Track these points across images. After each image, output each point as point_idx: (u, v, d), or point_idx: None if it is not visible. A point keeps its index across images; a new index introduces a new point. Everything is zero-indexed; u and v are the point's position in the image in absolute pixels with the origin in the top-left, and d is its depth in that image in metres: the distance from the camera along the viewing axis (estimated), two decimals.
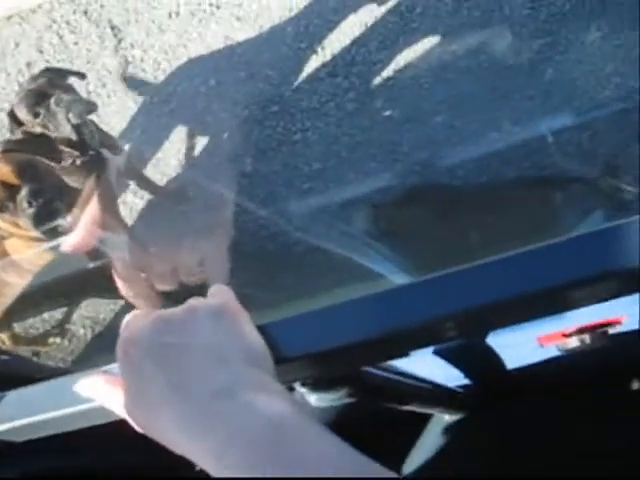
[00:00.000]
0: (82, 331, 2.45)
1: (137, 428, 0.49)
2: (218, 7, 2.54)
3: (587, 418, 1.20)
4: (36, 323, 2.50)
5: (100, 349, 2.40)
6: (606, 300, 0.47)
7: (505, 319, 0.50)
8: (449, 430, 1.21)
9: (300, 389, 0.58)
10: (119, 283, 1.62)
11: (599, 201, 1.82)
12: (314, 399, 0.59)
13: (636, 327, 1.03)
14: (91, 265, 1.51)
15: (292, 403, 0.44)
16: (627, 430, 0.96)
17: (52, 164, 1.66)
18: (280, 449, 0.41)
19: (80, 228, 1.42)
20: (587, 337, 1.02)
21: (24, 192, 1.54)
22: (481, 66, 2.15)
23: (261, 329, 0.49)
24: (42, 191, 1.56)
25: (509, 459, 1.18)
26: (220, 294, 0.51)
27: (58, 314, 2.48)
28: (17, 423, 0.56)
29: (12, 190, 1.56)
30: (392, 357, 0.55)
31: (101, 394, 0.51)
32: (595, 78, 2.02)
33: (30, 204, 1.53)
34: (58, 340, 2.46)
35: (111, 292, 2.30)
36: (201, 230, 2.07)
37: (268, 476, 0.40)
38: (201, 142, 2.41)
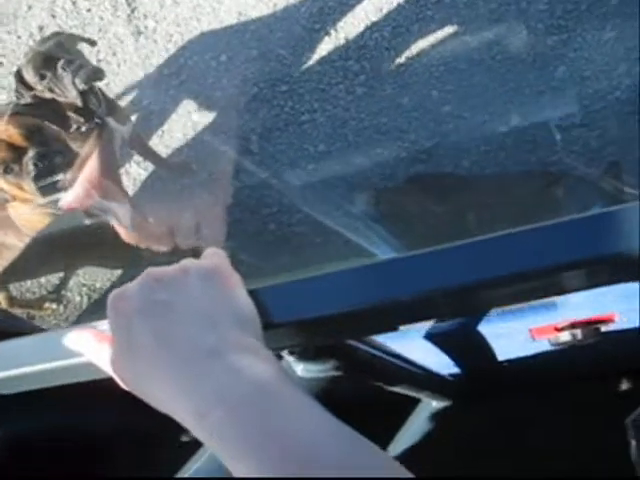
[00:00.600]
0: (78, 298, 2.46)
1: (122, 385, 0.49)
2: None
3: (575, 413, 1.20)
4: (33, 287, 2.50)
5: (95, 317, 2.40)
6: (601, 285, 0.47)
7: (496, 300, 0.50)
8: (436, 416, 1.22)
9: (287, 357, 0.58)
10: (122, 231, 1.61)
11: (600, 200, 1.82)
12: (301, 369, 0.59)
13: (628, 326, 1.03)
14: (87, 222, 1.51)
15: (278, 368, 0.44)
16: (614, 427, 0.96)
17: (60, 130, 1.65)
18: (263, 411, 0.41)
19: (77, 186, 1.42)
20: (579, 332, 1.02)
21: (30, 154, 1.54)
22: (494, 59, 2.14)
23: (251, 293, 0.49)
24: (48, 155, 1.56)
25: (494, 450, 1.19)
26: (214, 256, 0.51)
27: (55, 279, 2.48)
28: (4, 374, 0.56)
29: (19, 152, 1.56)
30: (381, 330, 0.55)
31: (89, 349, 0.51)
32: (606, 78, 2.01)
33: (36, 166, 1.53)
34: (54, 305, 2.47)
35: (107, 259, 2.30)
36: (199, 199, 2.07)
37: (248, 437, 0.40)
38: (208, 117, 2.40)
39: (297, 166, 2.22)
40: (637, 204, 0.42)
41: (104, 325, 0.52)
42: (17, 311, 2.37)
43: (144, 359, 0.45)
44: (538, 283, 0.45)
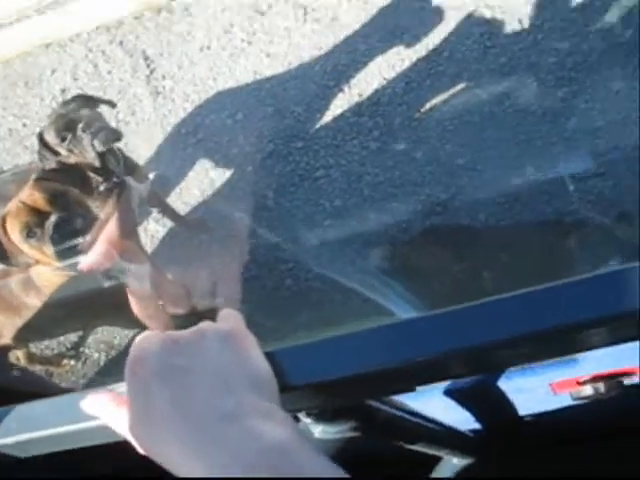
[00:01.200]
0: (96, 355, 2.46)
1: (138, 448, 0.49)
2: (249, 43, 2.60)
3: (601, 470, 1.17)
4: (51, 344, 2.51)
5: (113, 374, 2.40)
6: (618, 343, 0.46)
7: (513, 359, 0.50)
8: (458, 474, 1.19)
9: (305, 419, 0.57)
10: (133, 303, 1.62)
11: (616, 250, 1.81)
12: (319, 431, 0.58)
13: None
14: (106, 285, 1.52)
15: (296, 430, 0.44)
16: None
17: (82, 193, 1.69)
18: (281, 475, 0.41)
19: (97, 248, 1.43)
20: (601, 386, 1.00)
21: (53, 219, 1.57)
22: (505, 111, 2.16)
23: (268, 356, 0.49)
24: (70, 219, 1.58)
25: None
26: (230, 319, 0.52)
27: (74, 337, 2.49)
28: (22, 437, 0.56)
29: (42, 217, 1.58)
30: (398, 391, 0.55)
31: (106, 412, 0.52)
32: (618, 127, 2.02)
33: (57, 231, 1.56)
34: (72, 362, 2.47)
35: (125, 318, 2.31)
36: (216, 257, 2.08)
37: None
38: (225, 174, 2.44)
39: (313, 222, 2.23)
40: None
41: (121, 388, 0.52)
42: (36, 368, 2.38)
43: (161, 424, 0.45)
44: (554, 342, 0.45)
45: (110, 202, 1.80)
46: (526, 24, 2.23)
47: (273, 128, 2.42)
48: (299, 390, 0.49)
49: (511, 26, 2.25)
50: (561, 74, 2.14)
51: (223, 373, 0.46)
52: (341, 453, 0.62)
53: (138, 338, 0.52)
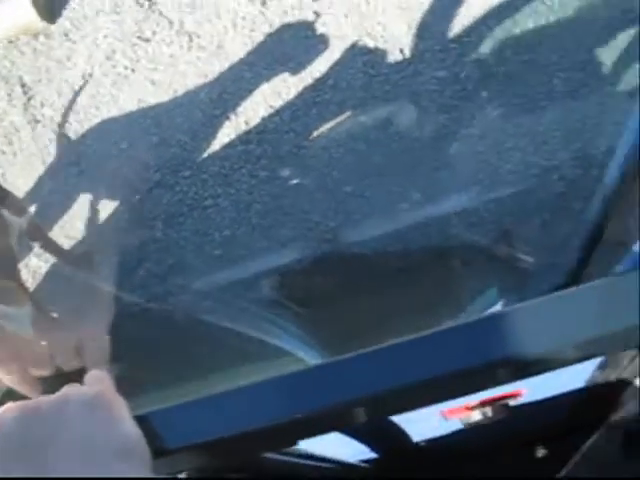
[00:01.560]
0: None
1: None
2: (133, 70, 2.53)
3: None
4: None
5: None
6: (508, 383, 0.47)
7: (407, 403, 0.49)
8: None
9: None
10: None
11: (498, 271, 1.88)
12: None
13: (534, 398, 1.04)
14: None
15: None
16: None
17: None
18: None
19: None
20: (489, 409, 1.02)
21: None
22: (390, 138, 2.21)
23: (140, 419, 0.46)
24: None
25: None
26: (96, 382, 0.48)
27: None
28: None
29: None
30: (279, 447, 0.53)
31: None
32: (497, 152, 2.11)
33: None
34: None
35: None
36: (80, 310, 1.99)
37: None
38: (110, 206, 2.36)
39: (202, 252, 2.19)
40: (524, 305, 0.43)
41: None
42: None
43: None
44: (440, 388, 0.45)
45: None
46: (407, 54, 2.29)
47: (159, 157, 2.36)
48: (175, 453, 0.46)
49: (393, 55, 2.31)
50: (441, 101, 2.21)
51: (86, 443, 0.43)
52: None
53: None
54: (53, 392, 0.48)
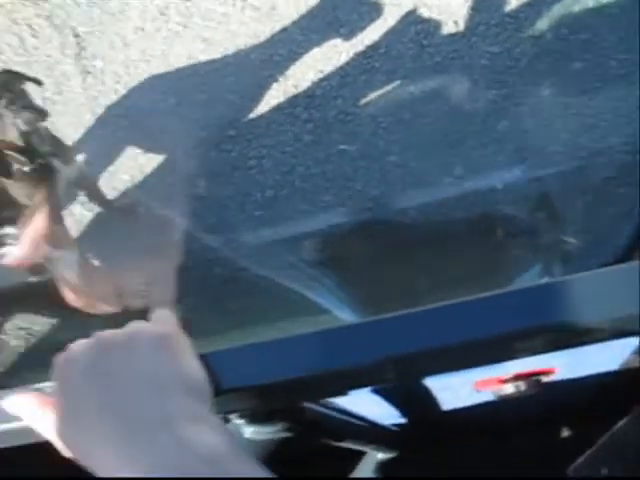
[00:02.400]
0: (15, 342, 2.38)
1: (64, 451, 0.47)
2: (185, 27, 2.54)
3: (518, 462, 1.22)
4: None
5: (32, 361, 2.32)
6: (543, 353, 0.48)
7: (444, 365, 0.51)
8: (381, 469, 1.21)
9: (236, 421, 0.57)
10: (66, 292, 1.56)
11: (542, 251, 1.87)
12: (250, 432, 0.58)
13: (567, 377, 1.05)
14: (33, 279, 1.46)
15: (227, 437, 0.44)
16: (556, 476, 0.97)
17: (4, 179, 1.61)
18: None
19: (25, 241, 1.37)
20: (522, 384, 1.04)
21: None
22: (438, 110, 2.20)
23: (202, 358, 0.48)
24: None
25: None
26: (163, 320, 0.51)
27: None
28: None
29: None
30: (330, 395, 0.55)
31: (29, 413, 0.50)
32: (545, 132, 2.09)
33: None
34: None
35: (46, 305, 2.24)
36: (149, 251, 2.03)
37: None
38: (156, 160, 2.39)
39: (244, 212, 2.22)
40: (583, 275, 0.44)
41: (47, 388, 0.50)
42: None
43: (89, 427, 0.44)
44: (484, 351, 0.46)
45: (40, 191, 1.73)
46: (461, 26, 2.27)
47: (206, 115, 2.38)
48: (232, 393, 0.49)
49: (447, 27, 2.28)
50: (492, 76, 2.19)
51: (155, 377, 0.45)
52: (271, 453, 0.62)
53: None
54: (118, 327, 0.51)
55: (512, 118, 2.13)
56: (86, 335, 0.50)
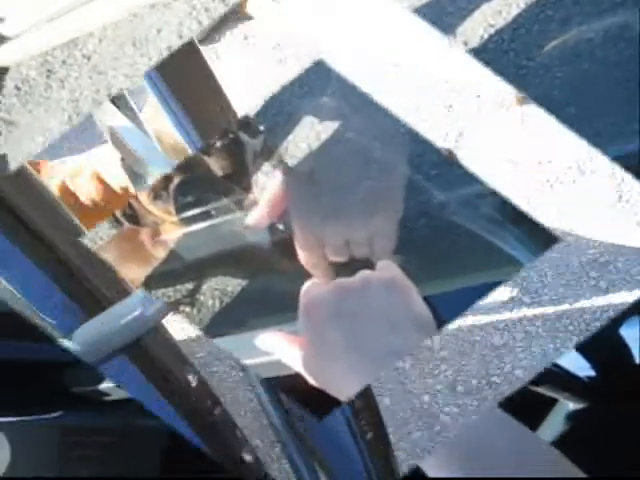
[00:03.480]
0: (211, 301, 2.60)
1: (309, 379, 0.56)
2: None
3: None
4: (168, 292, 2.66)
5: (226, 318, 2.53)
6: None
7: None
8: (572, 418, 1.22)
9: None
10: (299, 252, 1.68)
11: None
12: None
13: None
14: (271, 240, 1.59)
15: None
16: None
17: (201, 154, 1.77)
18: None
19: (263, 204, 1.51)
20: None
21: (176, 182, 1.67)
22: (619, 55, 2.09)
23: (425, 299, 0.54)
24: (190, 181, 1.68)
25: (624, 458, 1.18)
26: (389, 268, 0.58)
27: (189, 285, 2.63)
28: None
29: (165, 180, 1.69)
30: None
31: (280, 349, 0.59)
32: None
33: (181, 193, 1.66)
34: (188, 309, 2.62)
35: (239, 267, 2.42)
36: (372, 206, 2.12)
37: None
38: (331, 126, 2.48)
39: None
40: None
41: (290, 328, 0.59)
42: None
43: (337, 360, 0.53)
44: None
45: (225, 159, 1.88)
46: None
47: None
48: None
49: None
50: None
51: (389, 316, 0.53)
52: None
53: (306, 285, 0.59)
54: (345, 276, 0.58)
55: None
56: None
